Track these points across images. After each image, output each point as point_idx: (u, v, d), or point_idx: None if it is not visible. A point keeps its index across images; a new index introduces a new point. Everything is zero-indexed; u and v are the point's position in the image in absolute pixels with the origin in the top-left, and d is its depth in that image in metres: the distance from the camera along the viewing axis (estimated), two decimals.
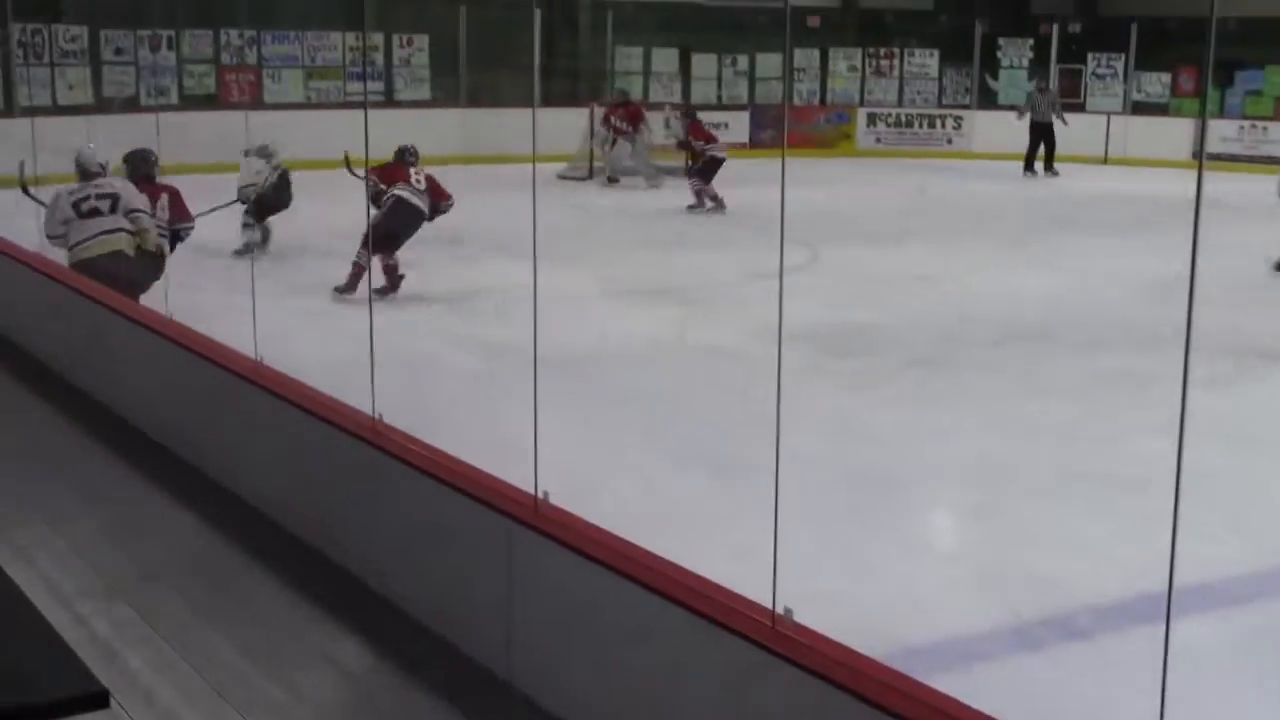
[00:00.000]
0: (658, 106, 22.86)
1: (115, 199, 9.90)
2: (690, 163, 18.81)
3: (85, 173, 10.06)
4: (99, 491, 7.39)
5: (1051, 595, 6.15)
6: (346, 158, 13.16)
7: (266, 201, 13.94)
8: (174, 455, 7.79)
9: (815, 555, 6.20)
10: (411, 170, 12.70)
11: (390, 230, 12.17)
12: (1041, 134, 23.36)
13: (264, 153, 14.15)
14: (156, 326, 8.31)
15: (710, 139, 18.66)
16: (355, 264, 11.88)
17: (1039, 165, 23.35)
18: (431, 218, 12.66)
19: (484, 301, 12.03)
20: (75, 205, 9.87)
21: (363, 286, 11.18)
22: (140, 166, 10.86)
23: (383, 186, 12.34)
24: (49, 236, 10.03)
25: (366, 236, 11.54)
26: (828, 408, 8.81)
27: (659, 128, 21.58)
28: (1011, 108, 24.57)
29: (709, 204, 17.83)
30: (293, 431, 6.73)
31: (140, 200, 10.09)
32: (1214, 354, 9.46)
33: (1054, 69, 25.86)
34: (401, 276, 12.20)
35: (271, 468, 7.05)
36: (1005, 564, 6.57)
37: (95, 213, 9.84)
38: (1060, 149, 23.95)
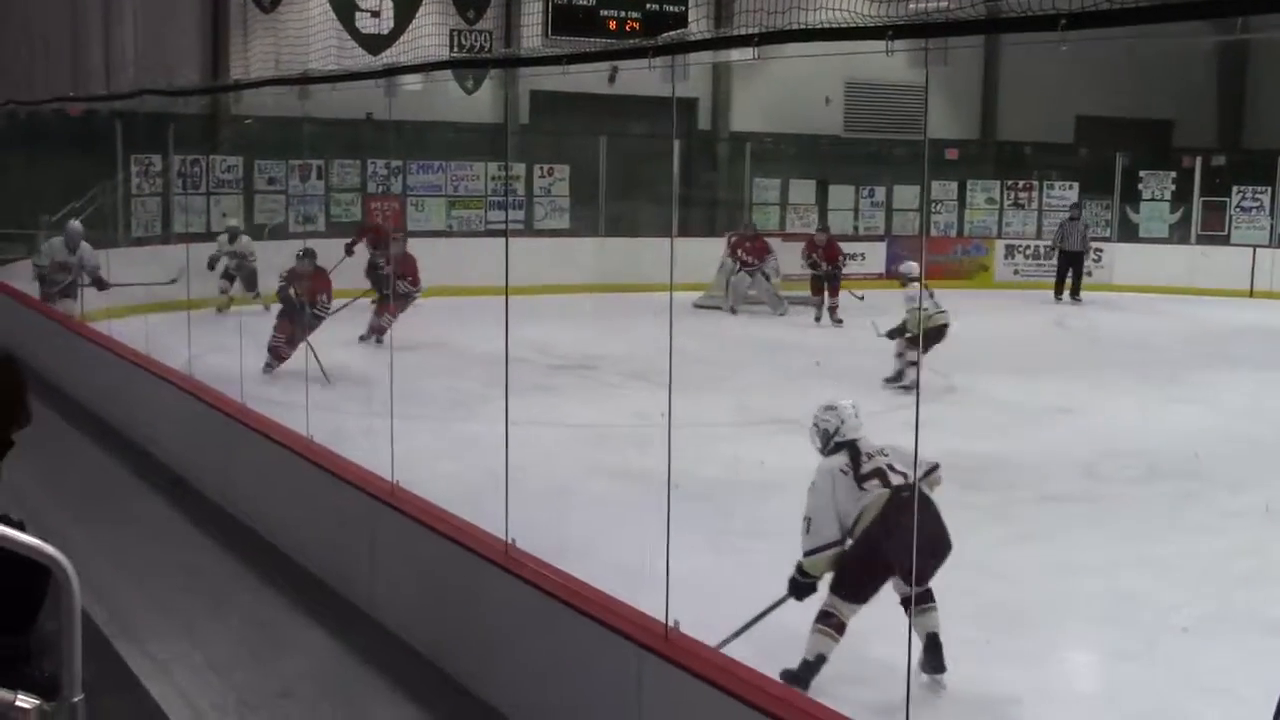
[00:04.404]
0: (797, 237, 22.90)
1: None
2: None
3: None
4: (235, 605, 7.50)
5: None
6: None
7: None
8: (310, 574, 7.89)
9: (950, 693, 6.08)
10: None
11: None
12: (1070, 261, 23.78)
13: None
14: (296, 447, 8.47)
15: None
16: None
17: (1067, 293, 23.72)
18: None
19: (619, 428, 12.07)
20: None
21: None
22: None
23: None
24: None
25: None
26: (962, 541, 8.65)
27: (795, 259, 21.68)
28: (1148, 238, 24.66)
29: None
30: (426, 555, 6.79)
31: None
32: None
33: (1197, 202, 25.55)
34: None
35: (404, 590, 7.11)
36: (1150, 706, 6.37)
37: None
38: (1205, 282, 23.65)
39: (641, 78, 5.87)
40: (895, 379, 14.66)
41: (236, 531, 8.83)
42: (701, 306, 20.43)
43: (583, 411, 12.89)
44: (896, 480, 6.56)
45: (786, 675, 6.14)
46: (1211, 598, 7.88)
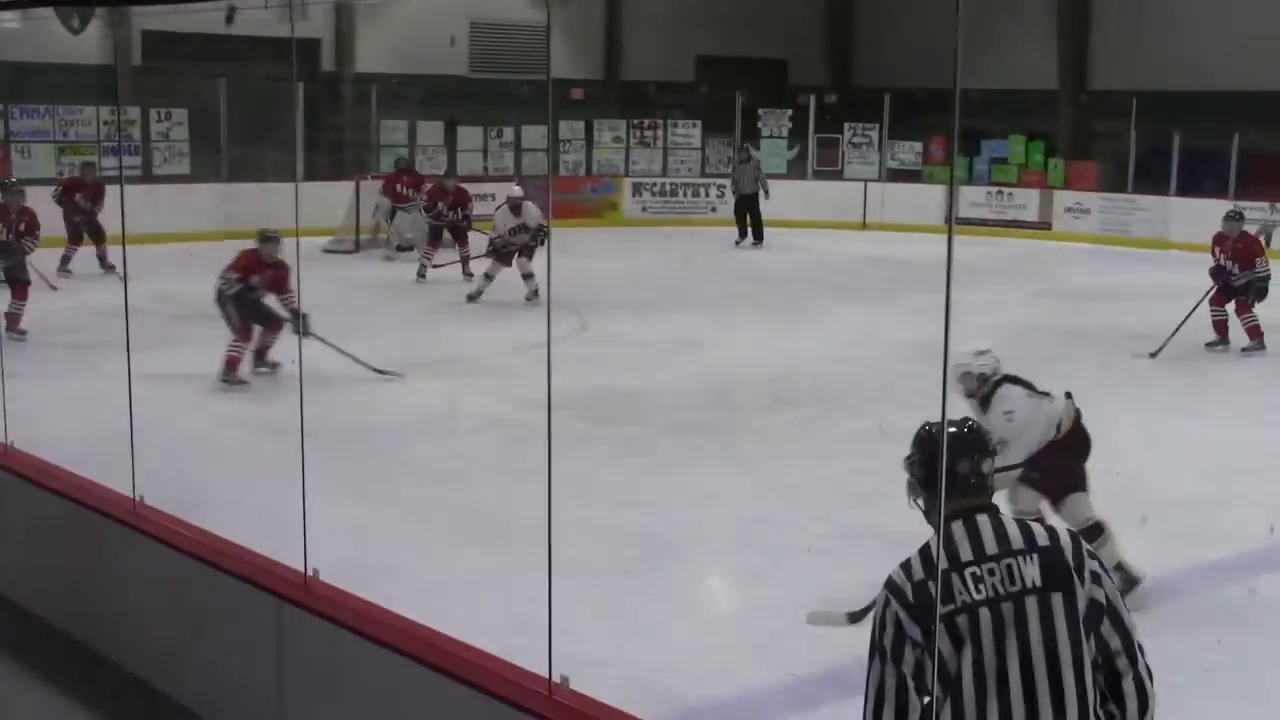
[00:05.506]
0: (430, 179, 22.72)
1: None
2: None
3: None
4: None
5: (826, 654, 6.20)
6: None
7: None
8: None
9: (590, 622, 6.20)
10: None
11: None
12: (746, 204, 23.36)
13: None
14: None
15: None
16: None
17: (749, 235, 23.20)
18: None
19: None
20: None
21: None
22: None
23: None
24: None
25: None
26: (598, 475, 8.84)
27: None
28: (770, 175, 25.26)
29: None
30: (46, 517, 6.49)
31: None
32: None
33: (812, 138, 26.59)
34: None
35: (24, 556, 6.78)
36: (780, 624, 6.64)
37: None
38: (819, 215, 24.67)
39: (260, 18, 5.72)
40: (476, 296, 15.99)
41: None
42: (331, 251, 20.09)
43: (211, 362, 12.47)
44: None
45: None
46: (835, 517, 8.26)
